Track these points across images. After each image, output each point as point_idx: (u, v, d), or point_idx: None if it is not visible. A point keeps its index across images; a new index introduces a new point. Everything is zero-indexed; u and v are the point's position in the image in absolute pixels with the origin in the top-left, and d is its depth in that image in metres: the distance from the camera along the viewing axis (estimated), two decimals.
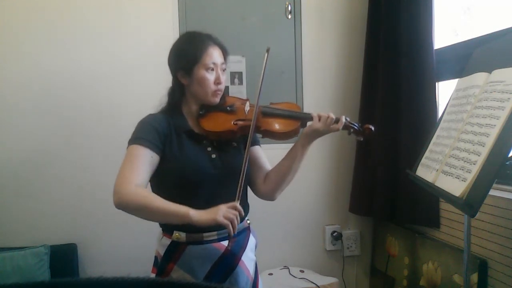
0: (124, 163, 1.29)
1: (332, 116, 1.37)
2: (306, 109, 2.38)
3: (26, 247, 1.99)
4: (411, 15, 2.03)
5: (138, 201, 1.21)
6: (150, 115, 1.40)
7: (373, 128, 1.42)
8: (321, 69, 2.43)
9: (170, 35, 2.22)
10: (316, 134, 1.39)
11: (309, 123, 1.43)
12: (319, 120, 1.37)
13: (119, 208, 1.22)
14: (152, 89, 2.14)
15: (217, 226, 1.32)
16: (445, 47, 2.06)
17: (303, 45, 2.39)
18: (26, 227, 2.10)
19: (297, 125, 1.42)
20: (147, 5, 2.21)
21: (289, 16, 2.36)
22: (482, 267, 1.63)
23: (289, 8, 2.36)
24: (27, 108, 2.10)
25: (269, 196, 1.49)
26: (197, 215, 1.20)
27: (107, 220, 2.18)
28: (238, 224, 1.22)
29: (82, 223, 2.16)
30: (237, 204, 1.24)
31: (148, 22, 2.21)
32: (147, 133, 1.32)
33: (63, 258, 2.07)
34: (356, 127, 1.42)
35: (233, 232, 1.20)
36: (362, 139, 1.46)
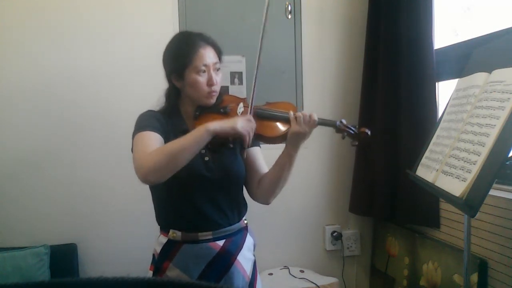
0: (135, 148, 1.25)
1: (310, 113, 1.31)
2: (306, 109, 2.37)
3: (26, 247, 1.99)
4: (411, 15, 2.03)
5: (160, 156, 1.18)
6: (150, 110, 1.40)
7: (369, 132, 1.35)
8: (321, 69, 2.43)
9: (170, 35, 2.20)
10: (299, 137, 1.32)
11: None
12: (296, 121, 1.31)
13: (149, 181, 1.18)
14: (152, 89, 2.14)
15: (212, 226, 1.34)
16: (445, 47, 2.06)
17: (303, 45, 2.39)
18: (26, 227, 2.10)
19: (289, 128, 1.35)
20: (147, 5, 2.21)
21: (289, 16, 2.36)
22: (482, 267, 1.63)
23: (289, 8, 2.35)
24: (27, 108, 2.10)
25: (263, 200, 1.46)
26: (216, 124, 1.21)
27: (107, 220, 2.18)
28: (252, 137, 1.24)
29: (82, 223, 2.16)
30: (251, 117, 1.27)
31: (148, 22, 2.21)
32: (152, 121, 1.31)
33: (63, 258, 2.07)
34: (351, 131, 1.35)
35: (248, 145, 1.24)
36: (357, 144, 1.38)
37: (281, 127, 1.36)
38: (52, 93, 2.12)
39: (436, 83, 2.02)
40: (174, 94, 1.40)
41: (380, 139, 2.16)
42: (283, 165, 1.36)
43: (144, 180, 1.19)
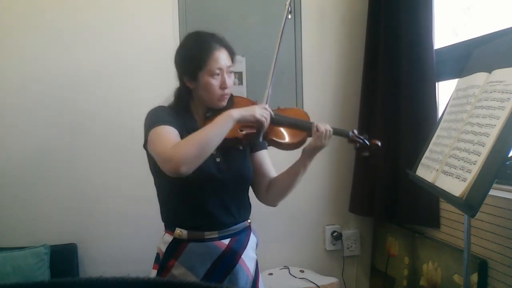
0: (156, 142, 1.25)
1: (330, 128, 1.37)
2: (306, 109, 2.37)
3: (26, 247, 1.99)
4: (411, 15, 2.03)
5: (190, 146, 1.19)
6: (161, 106, 1.39)
7: (380, 144, 1.42)
8: (321, 69, 2.42)
9: (170, 35, 2.22)
10: (317, 150, 1.40)
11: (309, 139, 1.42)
12: (318, 136, 1.36)
13: (181, 172, 1.17)
14: (152, 89, 2.15)
15: (218, 225, 1.35)
16: (445, 47, 2.06)
17: (303, 45, 2.39)
18: (26, 227, 2.10)
19: (303, 136, 1.39)
20: (147, 5, 2.21)
21: (289, 16, 2.36)
22: (482, 267, 1.63)
23: (289, 8, 2.35)
24: (28, 108, 2.10)
25: (270, 203, 1.51)
26: (239, 113, 1.25)
27: (107, 220, 2.18)
28: (268, 123, 1.30)
29: (82, 223, 2.16)
30: (267, 106, 1.33)
31: (148, 22, 2.21)
32: (165, 116, 1.31)
33: (63, 258, 2.07)
34: (363, 142, 1.41)
35: (266, 129, 1.29)
36: (368, 154, 1.43)
37: (299, 134, 1.39)
38: (53, 93, 2.12)
39: (436, 83, 2.02)
40: (185, 94, 1.40)
41: (380, 139, 2.15)
42: (297, 173, 1.42)
43: (175, 172, 1.18)
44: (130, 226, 2.19)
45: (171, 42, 2.22)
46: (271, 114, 1.33)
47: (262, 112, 1.28)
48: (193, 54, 1.34)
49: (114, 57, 2.18)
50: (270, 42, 2.31)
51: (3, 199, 2.09)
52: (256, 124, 1.29)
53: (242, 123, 1.29)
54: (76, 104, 2.14)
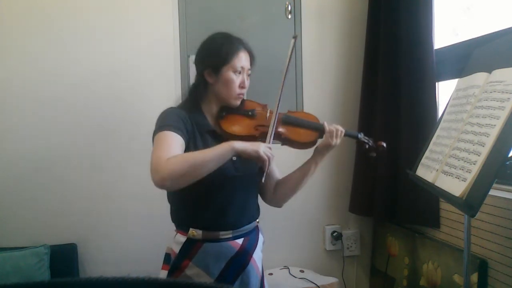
0: (155, 148, 1.25)
1: (341, 129, 1.42)
2: (306, 109, 2.38)
3: (26, 247, 1.99)
4: (411, 15, 2.03)
5: (181, 165, 1.17)
6: (172, 108, 1.40)
7: (385, 145, 1.49)
8: (321, 69, 2.42)
9: (170, 35, 2.22)
10: (329, 148, 1.44)
11: (319, 140, 1.48)
12: (330, 135, 1.41)
13: (165, 186, 1.18)
14: (153, 89, 2.15)
15: (233, 225, 1.37)
16: (445, 47, 2.06)
17: (303, 45, 2.39)
18: (26, 227, 2.10)
19: (316, 136, 1.46)
20: (147, 5, 2.21)
21: (289, 16, 2.36)
22: (482, 267, 1.63)
23: (289, 8, 2.36)
24: (27, 108, 2.10)
25: (276, 204, 1.56)
26: (241, 145, 1.23)
27: (107, 220, 2.18)
28: (271, 164, 1.29)
29: (82, 223, 2.16)
30: (271, 146, 1.32)
31: (148, 22, 2.21)
32: (175, 121, 1.31)
33: (63, 258, 2.07)
34: (370, 144, 1.49)
35: (267, 170, 1.28)
36: (375, 155, 1.50)
37: (311, 134, 1.46)
38: (51, 93, 2.12)
39: (436, 83, 2.02)
40: (201, 89, 1.42)
41: (380, 139, 2.16)
42: (307, 171, 1.47)
43: (159, 185, 1.18)
44: (130, 226, 2.19)
45: (171, 42, 2.22)
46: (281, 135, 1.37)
47: (266, 150, 1.26)
48: (220, 49, 1.39)
49: (114, 57, 2.17)
50: (270, 42, 2.33)
51: (3, 199, 2.09)
52: (258, 160, 1.27)
53: (242, 156, 1.26)
54: (76, 104, 2.14)
